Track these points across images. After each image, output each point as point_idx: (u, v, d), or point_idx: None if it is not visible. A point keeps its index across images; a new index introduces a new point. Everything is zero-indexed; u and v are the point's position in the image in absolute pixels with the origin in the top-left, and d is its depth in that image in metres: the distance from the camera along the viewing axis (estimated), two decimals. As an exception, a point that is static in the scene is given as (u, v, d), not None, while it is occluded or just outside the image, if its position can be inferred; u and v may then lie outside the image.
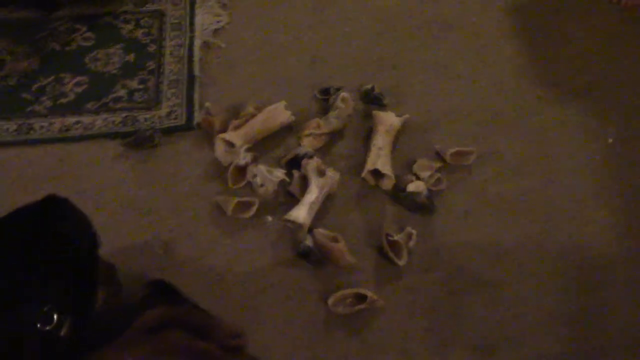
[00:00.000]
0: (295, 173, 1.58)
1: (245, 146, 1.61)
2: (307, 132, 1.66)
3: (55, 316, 1.02)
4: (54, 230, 1.17)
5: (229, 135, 1.61)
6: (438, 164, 1.64)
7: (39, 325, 1.01)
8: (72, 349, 1.04)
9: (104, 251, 1.33)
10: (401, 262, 1.45)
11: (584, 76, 1.88)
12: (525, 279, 1.46)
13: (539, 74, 1.89)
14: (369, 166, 1.58)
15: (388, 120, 1.66)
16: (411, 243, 1.48)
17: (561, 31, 2.00)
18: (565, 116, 1.78)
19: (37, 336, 1.00)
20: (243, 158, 1.59)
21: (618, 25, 2.02)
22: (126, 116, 1.75)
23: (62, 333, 1.02)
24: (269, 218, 1.55)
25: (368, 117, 1.74)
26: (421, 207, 1.55)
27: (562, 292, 1.44)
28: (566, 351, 1.36)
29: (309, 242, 1.46)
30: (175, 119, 1.74)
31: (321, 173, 1.54)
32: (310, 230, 1.49)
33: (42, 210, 1.19)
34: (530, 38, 1.99)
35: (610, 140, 1.73)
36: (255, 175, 1.57)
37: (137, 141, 1.66)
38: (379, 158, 1.59)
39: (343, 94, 1.73)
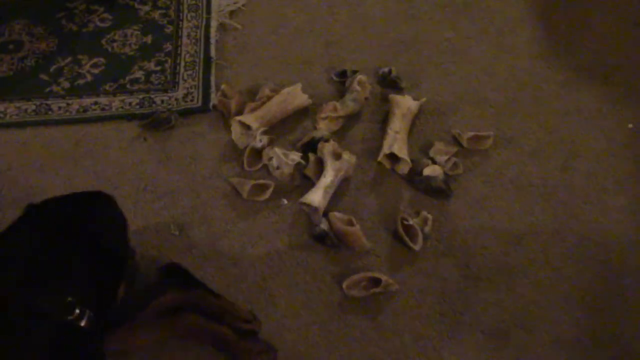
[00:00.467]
0: (311, 156, 1.58)
1: (262, 129, 1.60)
2: (323, 115, 1.65)
3: (77, 308, 1.05)
4: (91, 228, 1.19)
5: (245, 118, 1.61)
6: (455, 148, 1.63)
7: (60, 315, 1.03)
8: (91, 339, 1.07)
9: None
10: (416, 247, 1.45)
11: (604, 61, 1.85)
12: (541, 265, 1.45)
13: (557, 58, 1.86)
14: (385, 150, 1.57)
15: (405, 103, 1.65)
16: (427, 228, 1.47)
17: (581, 15, 1.97)
18: (584, 101, 1.75)
19: (51, 323, 1.03)
20: (259, 140, 1.59)
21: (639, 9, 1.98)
22: (143, 98, 1.75)
23: (82, 324, 1.05)
24: (285, 201, 1.55)
25: (385, 100, 1.73)
26: (437, 191, 1.54)
27: (579, 278, 1.44)
28: (581, 337, 1.35)
29: (324, 225, 1.46)
30: (192, 100, 1.75)
31: (337, 156, 1.53)
32: (325, 214, 1.49)
33: (85, 206, 1.22)
34: (549, 22, 1.95)
35: (631, 126, 1.70)
36: (271, 158, 1.57)
37: (154, 123, 1.67)
38: (396, 142, 1.58)
39: (360, 76, 1.72)
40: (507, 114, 1.73)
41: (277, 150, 1.57)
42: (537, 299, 1.41)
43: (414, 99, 1.68)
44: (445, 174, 1.57)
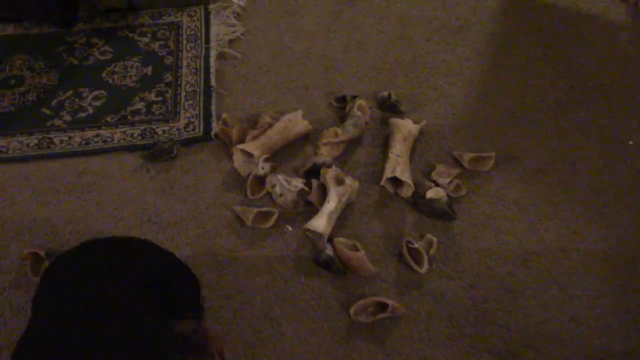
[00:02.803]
0: (314, 182, 1.59)
1: (264, 156, 1.61)
2: (324, 140, 1.66)
3: None
4: None
5: (247, 146, 1.62)
6: (457, 170, 1.63)
7: None
8: None
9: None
10: (422, 270, 1.45)
11: (601, 78, 1.87)
12: (548, 284, 1.45)
13: (554, 76, 1.88)
14: (388, 174, 1.58)
15: (405, 127, 1.66)
16: (432, 250, 1.47)
17: (577, 33, 1.99)
18: (583, 118, 1.77)
19: None
20: (262, 168, 1.60)
21: (635, 26, 2.00)
22: (145, 129, 1.76)
23: None
24: (289, 228, 1.56)
25: (385, 124, 1.74)
26: (441, 213, 1.54)
27: (586, 297, 1.43)
28: (590, 357, 1.35)
29: (329, 251, 1.46)
30: (194, 130, 1.75)
31: (340, 182, 1.54)
32: (330, 240, 1.49)
33: None
34: (546, 41, 1.97)
35: (631, 142, 1.71)
36: (274, 185, 1.57)
37: (156, 153, 1.68)
38: (398, 165, 1.58)
39: (360, 101, 1.73)
40: (507, 133, 1.74)
41: (280, 177, 1.57)
42: (545, 318, 1.40)
43: (414, 121, 1.69)
44: (449, 196, 1.57)
